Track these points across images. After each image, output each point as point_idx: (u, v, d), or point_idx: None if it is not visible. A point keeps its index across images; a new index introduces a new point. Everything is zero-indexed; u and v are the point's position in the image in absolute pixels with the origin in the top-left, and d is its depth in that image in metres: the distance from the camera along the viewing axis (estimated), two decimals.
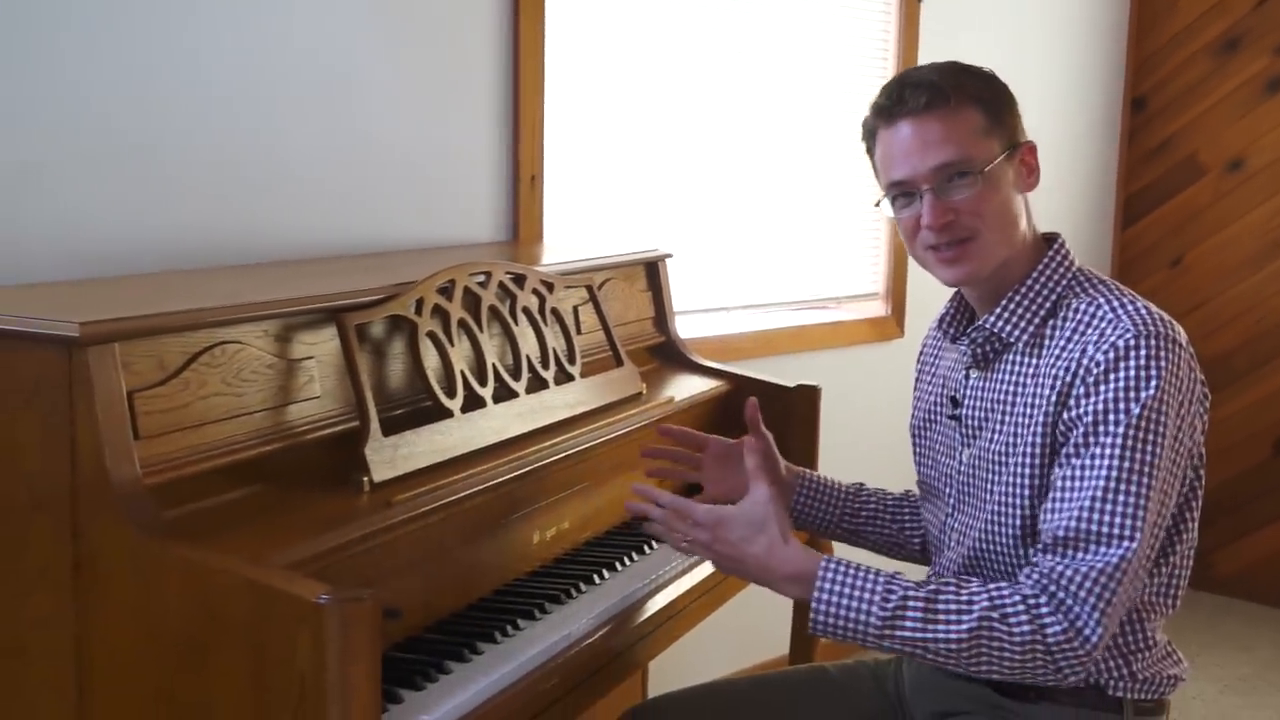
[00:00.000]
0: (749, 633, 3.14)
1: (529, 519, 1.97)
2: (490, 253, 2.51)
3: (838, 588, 1.64)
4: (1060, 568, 1.61)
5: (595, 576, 1.97)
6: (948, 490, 1.91)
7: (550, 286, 2.19)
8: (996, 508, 1.78)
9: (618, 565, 2.04)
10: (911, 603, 1.61)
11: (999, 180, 1.76)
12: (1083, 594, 1.60)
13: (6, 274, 1.99)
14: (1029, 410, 1.75)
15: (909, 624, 1.61)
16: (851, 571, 1.65)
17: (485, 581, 1.87)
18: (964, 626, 1.60)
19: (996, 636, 1.60)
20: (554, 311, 2.18)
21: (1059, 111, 4.40)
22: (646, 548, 2.13)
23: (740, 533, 1.72)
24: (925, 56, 3.76)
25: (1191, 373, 1.72)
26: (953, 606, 1.61)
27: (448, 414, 1.86)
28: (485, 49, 2.73)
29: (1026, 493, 1.75)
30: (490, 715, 1.57)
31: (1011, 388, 1.80)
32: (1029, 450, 1.74)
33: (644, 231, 3.19)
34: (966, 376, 1.87)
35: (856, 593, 1.63)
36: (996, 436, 1.80)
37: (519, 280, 2.12)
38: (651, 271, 2.68)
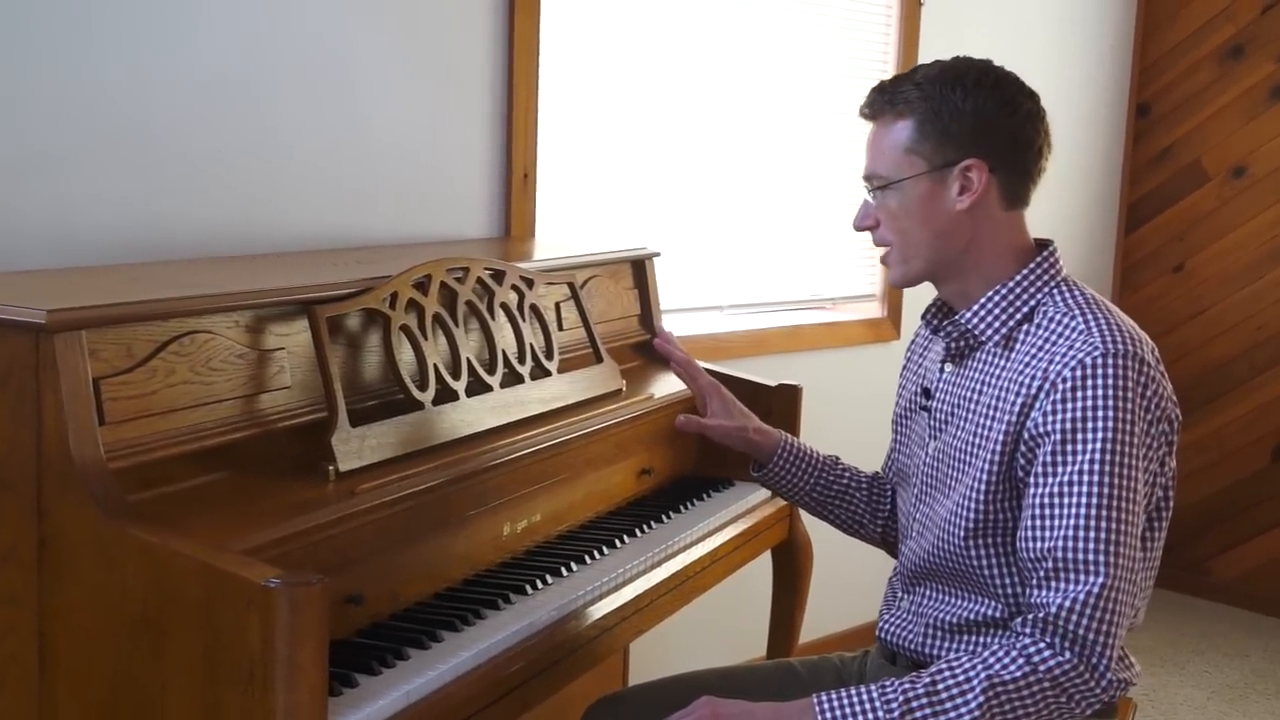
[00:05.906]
0: (734, 631, 3.17)
1: (499, 511, 2.00)
2: (476, 249, 2.54)
3: (837, 708, 1.64)
4: (1056, 602, 1.63)
5: (563, 569, 2.00)
6: (914, 480, 1.94)
7: (530, 283, 2.22)
8: (954, 506, 1.81)
9: (587, 559, 2.07)
10: (915, 702, 1.62)
11: (914, 197, 1.79)
12: (1085, 621, 1.62)
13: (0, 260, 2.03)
14: (991, 413, 1.78)
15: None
16: (841, 692, 1.66)
17: (454, 571, 1.90)
18: (973, 703, 1.61)
19: (1007, 696, 1.61)
20: (533, 308, 2.21)
21: (1062, 116, 4.34)
22: (618, 541, 2.16)
23: (740, 706, 1.71)
24: (925, 58, 3.75)
25: (1160, 392, 1.72)
26: (954, 689, 1.62)
27: (418, 406, 1.89)
28: (480, 46, 2.76)
29: (981, 495, 1.77)
30: (444, 701, 1.60)
31: (979, 385, 1.82)
32: (989, 455, 1.76)
33: (638, 229, 3.21)
34: (941, 370, 1.90)
35: (855, 706, 1.63)
36: (959, 433, 1.83)
37: (498, 276, 2.15)
38: (638, 270, 2.71)
